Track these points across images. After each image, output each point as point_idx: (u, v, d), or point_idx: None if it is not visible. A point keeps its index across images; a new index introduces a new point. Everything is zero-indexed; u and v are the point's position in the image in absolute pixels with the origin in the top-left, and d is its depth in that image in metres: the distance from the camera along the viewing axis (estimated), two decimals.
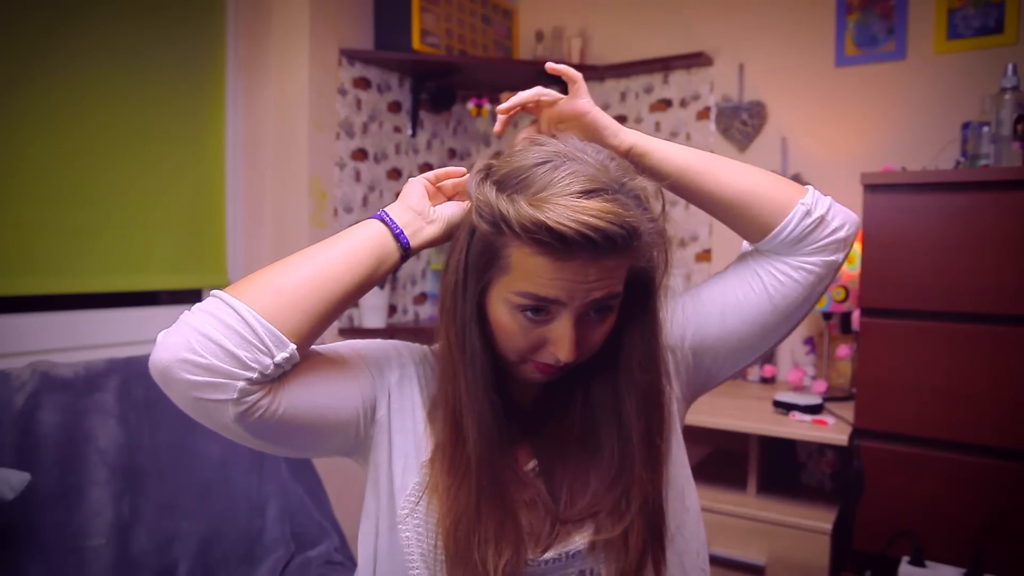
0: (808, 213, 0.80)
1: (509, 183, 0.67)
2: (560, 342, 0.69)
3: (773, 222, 0.80)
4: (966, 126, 1.88)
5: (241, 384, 0.61)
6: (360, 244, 0.70)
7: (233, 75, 2.31)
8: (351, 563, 1.78)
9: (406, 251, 0.73)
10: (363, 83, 2.53)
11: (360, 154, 2.53)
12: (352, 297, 0.69)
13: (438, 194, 0.79)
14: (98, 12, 1.91)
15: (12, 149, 1.76)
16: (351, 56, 2.46)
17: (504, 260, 0.68)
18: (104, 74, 1.93)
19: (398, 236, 0.72)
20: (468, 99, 2.76)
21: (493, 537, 0.71)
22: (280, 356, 0.62)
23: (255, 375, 0.61)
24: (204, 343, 0.59)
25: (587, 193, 0.64)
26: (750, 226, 0.83)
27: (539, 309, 0.69)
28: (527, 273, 0.67)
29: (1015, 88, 1.68)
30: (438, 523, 0.73)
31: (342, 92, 2.45)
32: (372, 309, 2.45)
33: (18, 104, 1.77)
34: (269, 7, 2.35)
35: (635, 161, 0.78)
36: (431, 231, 0.75)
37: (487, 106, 2.70)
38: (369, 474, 0.80)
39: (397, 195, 0.78)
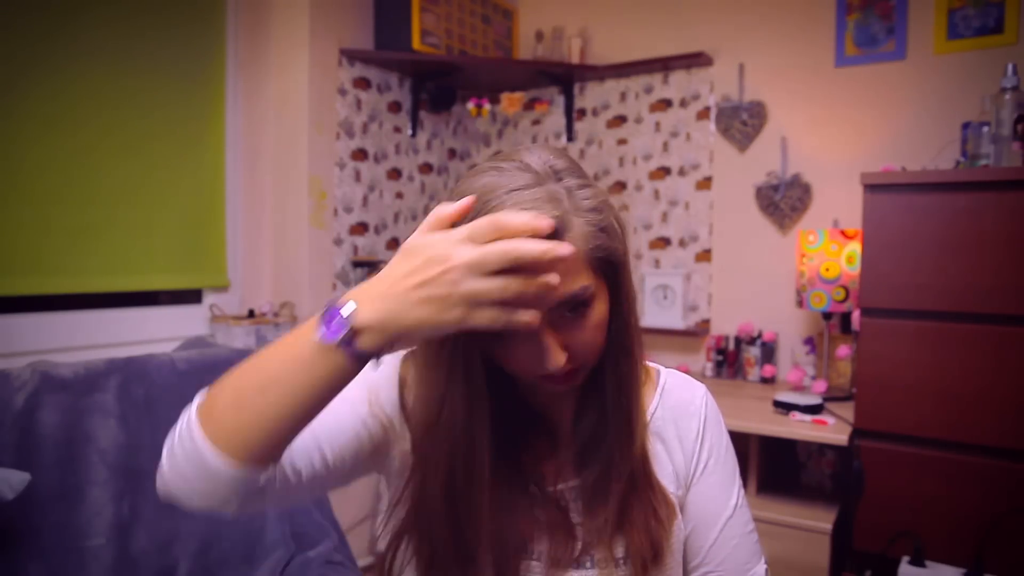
0: None
1: None
2: (542, 353, 0.66)
3: None
4: (966, 126, 1.88)
5: (232, 510, 0.64)
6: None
7: (233, 75, 2.31)
8: (351, 563, 1.78)
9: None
10: (363, 83, 2.53)
11: (360, 154, 2.53)
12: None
13: None
14: (99, 13, 1.91)
15: (13, 149, 1.76)
16: (351, 56, 2.46)
17: None
18: (104, 75, 1.93)
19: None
20: (468, 99, 2.76)
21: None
22: (260, 481, 0.64)
23: (239, 503, 0.64)
24: (189, 494, 0.63)
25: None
26: None
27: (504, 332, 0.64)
28: None
29: (1015, 88, 1.68)
30: None
31: (342, 92, 2.45)
32: None
33: (19, 105, 1.77)
34: (269, 7, 2.36)
35: None
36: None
37: (487, 106, 2.69)
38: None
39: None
